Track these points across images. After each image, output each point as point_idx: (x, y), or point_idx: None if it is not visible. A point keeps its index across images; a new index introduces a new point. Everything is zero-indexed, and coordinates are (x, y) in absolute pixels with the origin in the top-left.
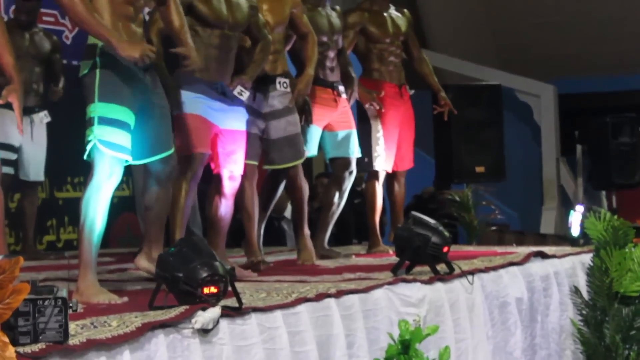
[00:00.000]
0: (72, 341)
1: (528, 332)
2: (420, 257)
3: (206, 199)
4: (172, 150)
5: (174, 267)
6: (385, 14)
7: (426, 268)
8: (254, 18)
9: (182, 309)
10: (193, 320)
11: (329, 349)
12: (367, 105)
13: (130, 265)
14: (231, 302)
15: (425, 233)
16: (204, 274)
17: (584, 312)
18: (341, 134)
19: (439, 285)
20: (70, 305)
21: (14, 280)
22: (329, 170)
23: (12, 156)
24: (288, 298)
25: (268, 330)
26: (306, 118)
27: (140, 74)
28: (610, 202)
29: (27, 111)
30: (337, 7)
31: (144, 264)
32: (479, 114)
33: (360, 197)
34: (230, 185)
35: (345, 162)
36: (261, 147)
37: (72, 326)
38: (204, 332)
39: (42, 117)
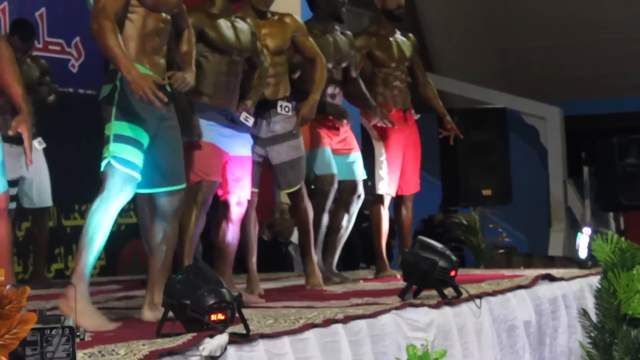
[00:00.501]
0: None
1: (537, 356)
2: (427, 282)
3: (211, 226)
4: (183, 185)
5: (181, 294)
6: (391, 39)
7: (434, 292)
8: (254, 44)
9: (189, 336)
10: (201, 348)
11: None
12: (376, 122)
13: (137, 292)
14: (239, 328)
15: (433, 257)
16: (211, 301)
17: (592, 334)
18: (345, 158)
19: (446, 309)
20: (78, 334)
21: (21, 310)
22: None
23: (13, 191)
24: (295, 324)
25: (276, 356)
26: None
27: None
28: (618, 223)
29: (21, 140)
30: (349, 33)
31: (149, 315)
32: (485, 137)
33: (368, 220)
34: (237, 210)
35: (351, 185)
36: (260, 173)
37: (80, 355)
38: (211, 359)
39: (37, 144)
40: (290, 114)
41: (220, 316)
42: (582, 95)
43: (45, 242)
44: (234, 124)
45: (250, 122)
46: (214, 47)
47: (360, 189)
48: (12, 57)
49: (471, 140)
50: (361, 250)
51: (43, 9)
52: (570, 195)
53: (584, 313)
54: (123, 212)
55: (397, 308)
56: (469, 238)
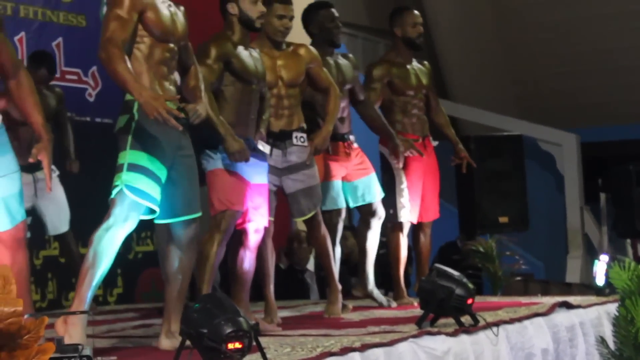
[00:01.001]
0: None
1: None
2: (444, 310)
3: (228, 254)
4: (199, 214)
5: (198, 323)
6: (408, 67)
7: (451, 320)
8: (265, 74)
9: None
10: None
11: None
12: (404, 152)
13: (155, 320)
14: (256, 357)
15: (449, 285)
16: (228, 330)
17: None
18: (360, 182)
19: (463, 337)
20: None
21: (39, 340)
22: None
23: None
24: (313, 352)
25: None
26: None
27: (174, 133)
28: (635, 249)
29: (33, 168)
30: (351, 56)
31: (166, 344)
32: (501, 164)
33: (385, 247)
34: (255, 238)
35: (370, 209)
36: (276, 201)
37: None
38: None
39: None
40: (305, 144)
41: (238, 345)
42: (598, 121)
43: (74, 262)
44: (255, 152)
45: (267, 149)
46: (238, 76)
47: (380, 210)
48: (33, 86)
49: (488, 167)
50: (379, 278)
51: (60, 39)
52: (587, 222)
53: (602, 341)
54: (140, 240)
55: (414, 336)
56: (486, 265)
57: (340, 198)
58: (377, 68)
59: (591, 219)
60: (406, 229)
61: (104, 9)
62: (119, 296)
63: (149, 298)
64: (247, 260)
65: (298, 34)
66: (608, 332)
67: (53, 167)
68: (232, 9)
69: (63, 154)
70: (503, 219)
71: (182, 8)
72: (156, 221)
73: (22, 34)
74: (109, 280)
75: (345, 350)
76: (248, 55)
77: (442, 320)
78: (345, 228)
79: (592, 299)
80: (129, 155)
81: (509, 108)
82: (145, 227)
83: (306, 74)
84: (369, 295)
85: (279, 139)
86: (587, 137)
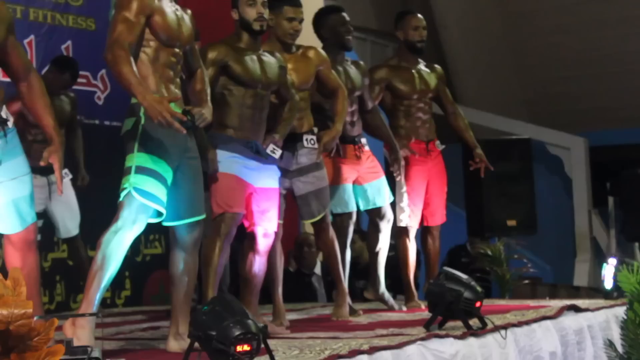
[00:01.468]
0: None
1: None
2: (452, 313)
3: (238, 257)
4: (203, 216)
5: (206, 325)
6: (413, 70)
7: (459, 323)
8: (283, 78)
9: None
10: None
11: None
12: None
13: (163, 323)
14: (264, 359)
15: (458, 288)
16: (237, 332)
17: None
18: (370, 186)
19: (471, 340)
20: None
21: (49, 342)
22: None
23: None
24: (321, 355)
25: None
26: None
27: (181, 135)
28: None
29: (46, 172)
30: (362, 63)
31: (175, 346)
32: (510, 167)
33: (394, 250)
34: (264, 242)
35: (379, 212)
36: (285, 204)
37: None
38: None
39: (63, 176)
40: (315, 146)
41: (246, 347)
42: (606, 125)
43: (81, 266)
44: (259, 155)
45: (278, 154)
46: (237, 80)
47: (389, 213)
48: (44, 88)
49: (496, 171)
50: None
51: (69, 42)
52: (595, 226)
53: (610, 344)
54: (148, 243)
55: (422, 339)
56: (494, 268)
57: (352, 201)
58: (377, 71)
59: (599, 222)
60: (412, 233)
61: (113, 12)
62: (127, 298)
63: (157, 300)
64: (257, 264)
65: (308, 38)
66: (616, 336)
67: (66, 170)
68: (234, 14)
69: (73, 163)
70: (511, 223)
71: (189, 12)
72: (164, 224)
73: (32, 37)
74: (117, 283)
75: (353, 353)
76: (254, 60)
77: (450, 323)
78: (353, 231)
79: (600, 302)
80: (137, 158)
81: (517, 112)
82: (153, 230)
83: (315, 77)
84: (380, 299)
85: (290, 142)
86: (596, 140)
